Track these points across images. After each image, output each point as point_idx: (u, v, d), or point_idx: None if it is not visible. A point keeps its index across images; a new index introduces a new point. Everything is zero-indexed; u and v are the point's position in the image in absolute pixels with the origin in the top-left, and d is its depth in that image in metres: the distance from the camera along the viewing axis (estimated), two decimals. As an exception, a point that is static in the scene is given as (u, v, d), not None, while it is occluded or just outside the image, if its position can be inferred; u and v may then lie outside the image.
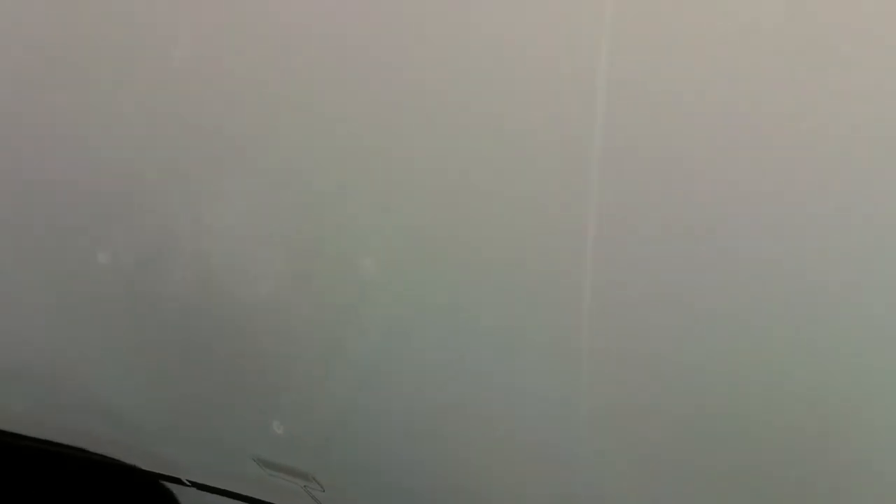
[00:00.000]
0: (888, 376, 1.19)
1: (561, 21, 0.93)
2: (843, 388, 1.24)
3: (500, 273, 1.30)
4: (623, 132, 1.01)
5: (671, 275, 1.18)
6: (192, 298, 1.68)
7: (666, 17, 0.89)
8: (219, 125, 1.26)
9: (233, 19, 1.10)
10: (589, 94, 0.98)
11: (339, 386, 1.81)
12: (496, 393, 1.60)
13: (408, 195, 1.24)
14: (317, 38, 1.07)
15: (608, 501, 1.80)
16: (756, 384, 1.30)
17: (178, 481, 2.84)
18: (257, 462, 2.36)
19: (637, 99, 0.97)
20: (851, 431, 1.30)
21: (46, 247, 1.70)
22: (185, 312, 1.74)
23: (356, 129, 1.17)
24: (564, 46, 0.95)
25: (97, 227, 1.59)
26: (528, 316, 1.36)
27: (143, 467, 2.78)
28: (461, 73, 1.03)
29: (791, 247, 1.07)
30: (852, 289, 1.09)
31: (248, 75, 1.16)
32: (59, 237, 1.65)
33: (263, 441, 2.19)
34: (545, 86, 1.00)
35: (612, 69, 0.94)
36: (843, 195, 0.98)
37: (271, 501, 2.71)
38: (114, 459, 2.76)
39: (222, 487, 2.74)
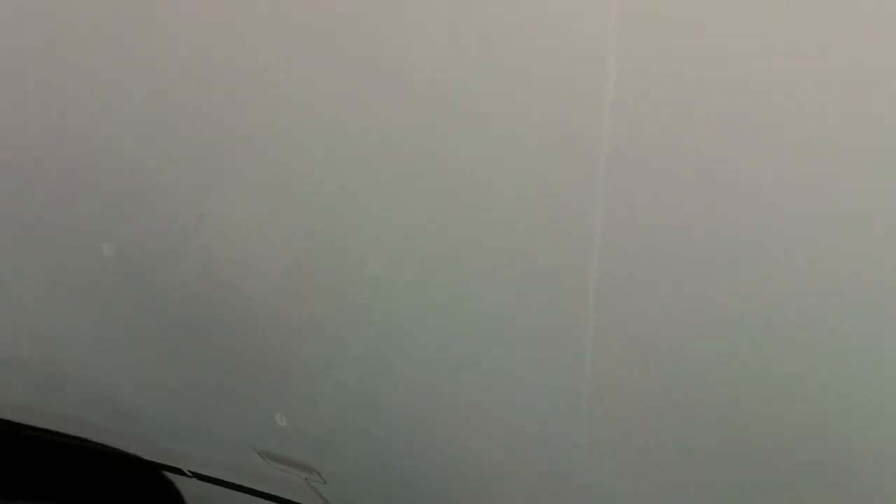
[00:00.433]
0: (890, 374, 1.19)
1: (568, 14, 0.93)
2: (843, 380, 1.25)
3: (504, 267, 1.30)
4: (631, 124, 1.01)
5: (674, 267, 1.18)
6: (195, 290, 1.68)
7: (674, 12, 0.89)
8: (221, 118, 1.26)
9: (237, 17, 1.09)
10: (597, 87, 0.98)
11: (342, 378, 1.82)
12: (498, 384, 1.60)
13: (412, 187, 1.24)
14: (321, 33, 1.07)
15: (609, 489, 1.81)
16: (755, 375, 1.31)
17: (179, 472, 2.84)
18: (259, 454, 2.36)
19: (645, 90, 0.97)
20: (851, 418, 1.31)
21: (50, 237, 1.70)
22: (188, 304, 1.74)
23: (361, 120, 1.17)
24: (571, 38, 0.94)
25: (101, 218, 1.59)
26: (532, 309, 1.37)
27: (145, 457, 2.79)
28: (467, 67, 1.03)
29: (796, 242, 1.07)
30: (858, 286, 1.09)
31: (253, 70, 1.16)
32: (63, 227, 1.65)
33: (266, 433, 2.20)
34: (552, 76, 1.00)
35: (621, 60, 0.94)
36: (851, 193, 0.98)
37: (273, 493, 2.72)
38: (116, 449, 2.77)
39: (224, 478, 2.75)
